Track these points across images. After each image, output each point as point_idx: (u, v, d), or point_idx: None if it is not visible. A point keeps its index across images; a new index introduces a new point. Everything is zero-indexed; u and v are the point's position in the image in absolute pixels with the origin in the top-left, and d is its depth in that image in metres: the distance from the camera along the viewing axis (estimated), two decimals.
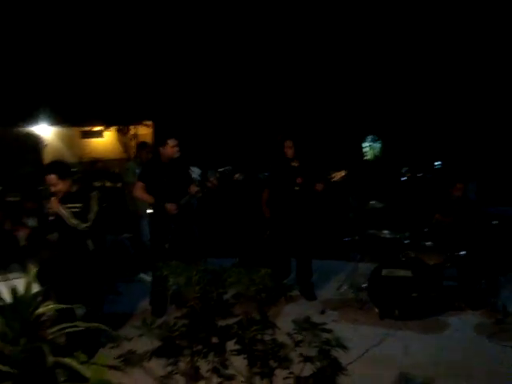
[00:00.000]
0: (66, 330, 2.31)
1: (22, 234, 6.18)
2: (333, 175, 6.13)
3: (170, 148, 5.94)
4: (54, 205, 4.79)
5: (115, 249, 7.37)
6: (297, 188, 6.33)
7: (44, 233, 5.21)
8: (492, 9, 13.23)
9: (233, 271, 2.68)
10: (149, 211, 6.32)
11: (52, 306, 2.36)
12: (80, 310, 4.66)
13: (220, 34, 15.61)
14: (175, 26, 15.89)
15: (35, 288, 2.40)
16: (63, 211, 4.79)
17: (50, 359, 2.00)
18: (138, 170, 7.09)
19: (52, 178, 4.82)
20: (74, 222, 4.79)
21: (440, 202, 6.57)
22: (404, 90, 15.09)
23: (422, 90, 14.95)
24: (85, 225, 4.81)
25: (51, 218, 4.79)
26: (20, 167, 13.28)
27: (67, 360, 2.11)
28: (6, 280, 2.35)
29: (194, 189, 5.90)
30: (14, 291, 2.24)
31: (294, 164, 6.42)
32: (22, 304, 2.20)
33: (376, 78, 15.26)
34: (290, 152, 6.41)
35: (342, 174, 6.10)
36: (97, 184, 13.86)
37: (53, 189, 4.82)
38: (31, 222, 6.21)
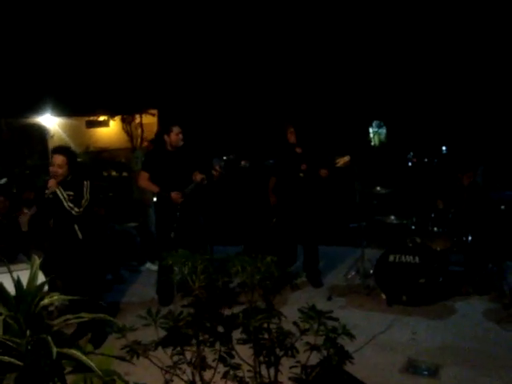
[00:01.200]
0: (71, 321, 2.31)
1: (23, 220, 6.22)
2: (337, 161, 6.10)
3: (175, 135, 5.91)
4: (53, 184, 4.83)
5: (121, 238, 7.38)
6: (301, 174, 6.30)
7: (43, 216, 5.25)
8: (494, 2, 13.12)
9: (238, 259, 2.66)
10: (155, 199, 6.31)
11: (57, 297, 2.35)
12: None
13: (224, 24, 15.53)
14: (180, 16, 15.81)
15: (40, 279, 2.39)
16: (62, 192, 4.85)
17: (55, 350, 1.99)
18: None
19: (61, 159, 4.87)
20: (70, 204, 4.85)
21: (444, 188, 6.54)
22: (409, 75, 14.99)
23: (427, 75, 14.85)
24: (78, 209, 4.86)
25: (49, 195, 4.82)
26: (26, 158, 13.30)
27: (72, 351, 2.10)
28: (10, 271, 2.33)
29: (198, 176, 5.85)
30: (18, 283, 2.23)
31: (298, 150, 6.40)
32: (26, 296, 2.19)
33: (381, 64, 15.16)
34: (292, 138, 6.38)
35: (346, 159, 6.06)
36: (104, 174, 13.93)
37: (56, 169, 4.84)
38: (32, 211, 6.26)
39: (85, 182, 4.96)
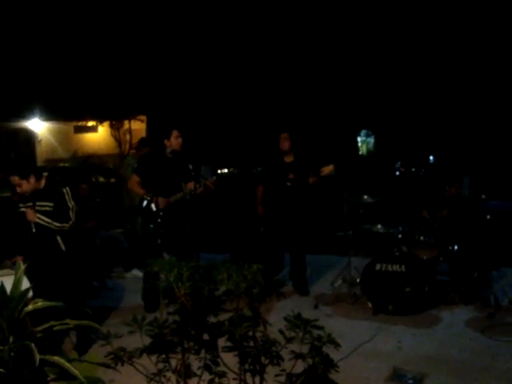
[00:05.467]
0: (56, 328, 2.29)
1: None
2: (321, 169, 6.14)
3: (175, 139, 5.91)
4: (31, 216, 4.71)
5: (108, 244, 7.34)
6: (288, 184, 6.32)
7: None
8: (487, 8, 13.26)
9: (224, 267, 2.66)
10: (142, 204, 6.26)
11: (41, 303, 2.33)
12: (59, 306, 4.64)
13: (215, 30, 15.56)
14: (169, 21, 15.83)
15: (25, 285, 2.37)
16: (43, 218, 4.72)
17: (38, 357, 1.98)
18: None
19: (15, 179, 4.76)
20: (57, 224, 4.73)
21: (430, 198, 6.59)
22: (397, 85, 15.09)
23: (414, 86, 14.96)
24: (69, 224, 4.76)
25: (33, 230, 4.74)
26: (13, 163, 13.22)
27: (56, 358, 2.09)
28: None
29: (189, 185, 5.84)
30: (1, 288, 2.21)
31: (287, 159, 6.41)
32: (10, 301, 2.17)
33: (369, 73, 15.25)
34: (286, 145, 6.39)
35: (330, 168, 6.11)
36: (92, 179, 13.86)
37: (18, 189, 4.78)
38: None
39: (64, 190, 4.84)
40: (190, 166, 6.04)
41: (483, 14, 13.42)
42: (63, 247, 4.82)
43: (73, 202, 4.82)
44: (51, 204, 4.78)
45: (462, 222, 6.27)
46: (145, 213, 5.92)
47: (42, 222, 4.72)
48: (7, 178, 4.86)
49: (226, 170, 5.94)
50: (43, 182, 4.88)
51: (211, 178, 5.90)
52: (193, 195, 5.83)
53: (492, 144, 13.22)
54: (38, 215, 4.71)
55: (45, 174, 4.99)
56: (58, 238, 4.80)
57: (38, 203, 4.77)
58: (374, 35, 14.76)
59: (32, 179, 4.78)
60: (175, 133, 5.94)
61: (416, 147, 13.66)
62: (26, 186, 4.76)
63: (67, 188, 4.89)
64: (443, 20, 13.95)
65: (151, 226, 5.75)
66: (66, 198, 4.81)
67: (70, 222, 4.76)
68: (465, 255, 6.07)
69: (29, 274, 2.82)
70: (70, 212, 4.78)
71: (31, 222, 4.73)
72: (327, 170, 6.14)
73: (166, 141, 5.95)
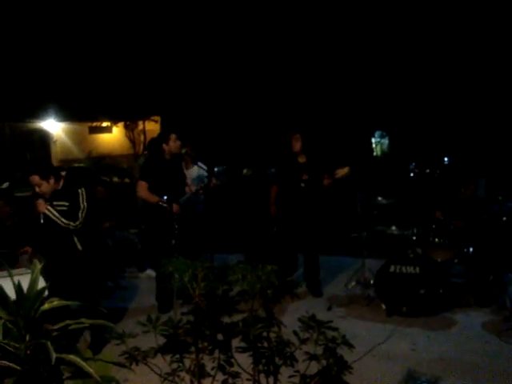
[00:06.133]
0: (71, 327, 2.30)
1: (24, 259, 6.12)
2: (336, 172, 6.13)
3: (173, 143, 5.93)
4: (41, 207, 4.76)
5: (122, 244, 7.38)
6: (302, 184, 6.31)
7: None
8: (501, 6, 13.15)
9: (238, 268, 2.66)
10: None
11: (57, 302, 2.35)
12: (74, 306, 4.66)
13: (229, 30, 15.58)
14: (183, 22, 15.87)
15: (41, 284, 2.39)
16: (52, 212, 4.77)
17: (54, 356, 1.99)
18: None
19: (35, 178, 4.79)
20: (64, 221, 4.77)
21: (444, 200, 6.55)
22: (411, 86, 15.01)
23: (429, 86, 14.87)
24: (76, 223, 4.79)
25: (42, 220, 4.78)
26: (28, 163, 13.34)
27: (71, 357, 2.10)
28: (10, 275, 2.33)
29: (192, 187, 5.98)
30: (18, 287, 2.23)
31: (301, 160, 6.41)
32: (26, 300, 2.19)
33: (384, 74, 15.19)
34: (297, 146, 6.38)
35: (345, 170, 6.10)
36: (106, 179, 13.95)
37: (37, 189, 4.81)
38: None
39: (79, 191, 4.89)
40: (199, 165, 6.10)
41: (501, 15, 13.33)
42: (79, 247, 4.86)
43: (85, 204, 4.85)
44: (67, 203, 4.83)
45: (477, 224, 6.22)
46: (160, 218, 5.92)
47: (50, 215, 4.76)
48: (27, 177, 4.88)
49: (245, 171, 6.02)
50: (61, 183, 4.92)
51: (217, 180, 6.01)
52: (205, 188, 5.91)
53: (509, 145, 13.10)
54: (48, 207, 4.76)
55: (63, 173, 5.04)
56: (75, 238, 4.85)
57: (54, 203, 4.82)
58: (390, 36, 14.70)
59: (52, 180, 4.84)
60: (173, 136, 5.94)
61: (431, 148, 13.58)
62: (46, 186, 4.81)
63: (83, 189, 4.93)
64: (460, 23, 13.86)
65: (176, 232, 5.74)
66: (80, 198, 4.85)
67: (77, 222, 4.79)
68: (480, 257, 6.03)
69: (45, 273, 2.84)
70: (80, 212, 4.81)
71: (40, 212, 4.78)
72: (342, 172, 6.13)
73: (164, 145, 5.96)
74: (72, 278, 4.84)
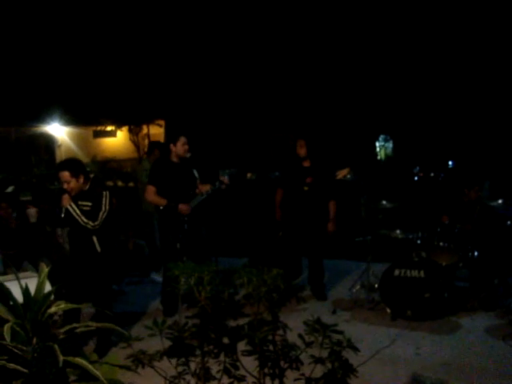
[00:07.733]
0: (78, 330, 2.32)
1: (31, 212, 6.23)
2: (337, 173, 6.16)
3: (181, 146, 5.91)
4: (65, 201, 4.80)
5: (128, 249, 7.40)
6: (306, 188, 6.32)
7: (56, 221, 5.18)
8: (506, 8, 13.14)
9: (244, 271, 2.67)
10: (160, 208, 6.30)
11: (63, 305, 2.36)
12: (89, 309, 4.68)
13: (236, 36, 15.62)
14: (189, 27, 15.92)
15: (47, 287, 2.41)
16: (75, 209, 4.80)
17: (61, 359, 2.00)
18: None
19: (65, 174, 4.82)
20: (84, 220, 4.79)
21: (450, 204, 6.54)
22: (416, 90, 15.01)
23: (433, 90, 14.86)
24: (95, 223, 4.81)
25: (62, 215, 4.82)
26: (33, 167, 13.37)
27: (78, 360, 2.11)
28: (18, 279, 2.35)
29: (204, 188, 5.90)
30: (26, 290, 2.25)
31: (305, 164, 6.42)
32: (33, 303, 2.21)
33: (388, 78, 15.19)
34: (302, 151, 6.39)
35: (345, 172, 6.11)
36: (109, 183, 14.00)
37: (65, 186, 4.84)
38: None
39: (104, 193, 4.91)
40: (195, 172, 6.08)
41: (506, 17, 13.32)
42: (98, 248, 4.88)
43: (107, 206, 4.87)
44: (90, 204, 4.86)
45: (483, 228, 6.21)
46: (168, 220, 5.92)
47: (71, 211, 4.79)
48: (57, 172, 4.91)
49: (249, 175, 6.01)
50: (88, 185, 4.95)
51: (224, 175, 5.94)
52: (216, 191, 5.88)
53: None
54: (72, 204, 4.80)
55: (91, 175, 5.08)
56: (94, 239, 4.88)
57: (79, 202, 4.86)
58: (395, 41, 14.71)
59: (81, 179, 4.88)
60: (182, 139, 5.91)
61: (435, 152, 13.57)
62: (75, 184, 4.84)
63: (107, 192, 4.96)
64: (466, 28, 13.86)
65: (180, 236, 5.73)
66: (103, 200, 4.88)
67: (96, 222, 4.81)
68: (485, 261, 6.02)
69: (53, 275, 2.86)
70: (100, 213, 4.83)
71: (63, 206, 4.81)
72: (343, 173, 6.15)
73: (171, 145, 5.94)
74: (89, 279, 4.87)
